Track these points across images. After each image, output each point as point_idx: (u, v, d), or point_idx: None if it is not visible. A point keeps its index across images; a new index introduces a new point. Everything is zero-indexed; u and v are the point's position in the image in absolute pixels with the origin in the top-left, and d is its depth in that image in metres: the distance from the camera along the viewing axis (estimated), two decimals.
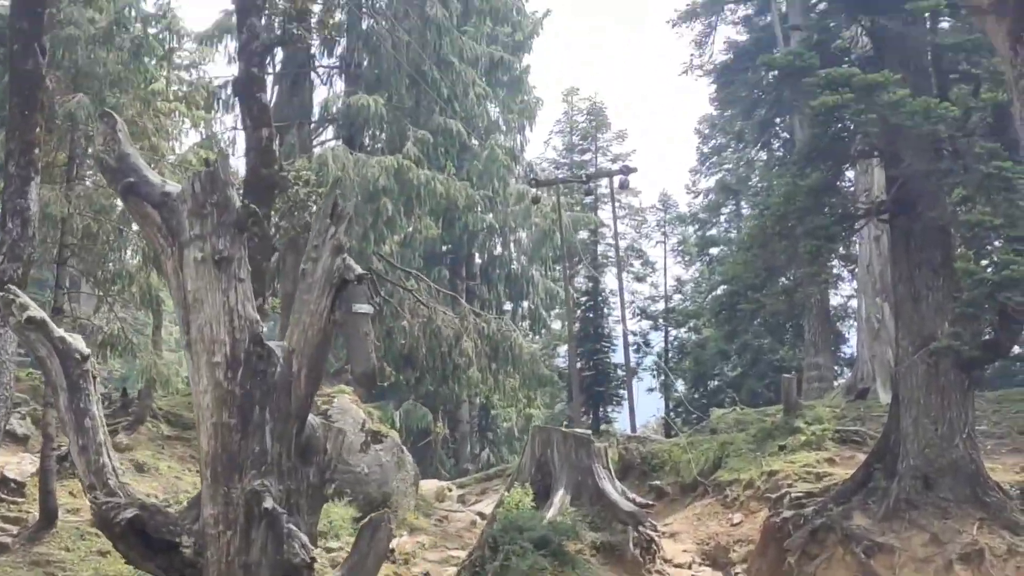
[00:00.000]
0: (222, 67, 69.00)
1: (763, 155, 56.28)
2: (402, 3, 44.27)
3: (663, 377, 57.86)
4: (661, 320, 62.92)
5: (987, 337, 19.36)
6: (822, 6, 25.80)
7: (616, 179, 46.54)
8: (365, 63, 44.56)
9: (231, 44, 40.22)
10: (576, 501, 23.10)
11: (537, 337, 56.12)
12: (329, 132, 45.30)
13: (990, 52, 18.27)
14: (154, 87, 27.62)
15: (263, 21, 29.41)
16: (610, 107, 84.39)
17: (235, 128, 41.38)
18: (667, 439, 34.06)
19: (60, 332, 10.38)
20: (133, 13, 27.99)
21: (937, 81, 21.08)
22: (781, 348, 51.34)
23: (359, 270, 10.76)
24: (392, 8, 44.88)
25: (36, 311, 10.30)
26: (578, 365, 47.34)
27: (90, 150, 22.82)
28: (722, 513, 25.79)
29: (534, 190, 47.01)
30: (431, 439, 46.45)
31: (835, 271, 34.01)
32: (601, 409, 51.40)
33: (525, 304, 54.35)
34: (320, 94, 46.21)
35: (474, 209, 45.33)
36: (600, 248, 58.70)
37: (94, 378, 10.43)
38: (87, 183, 24.75)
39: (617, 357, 51.53)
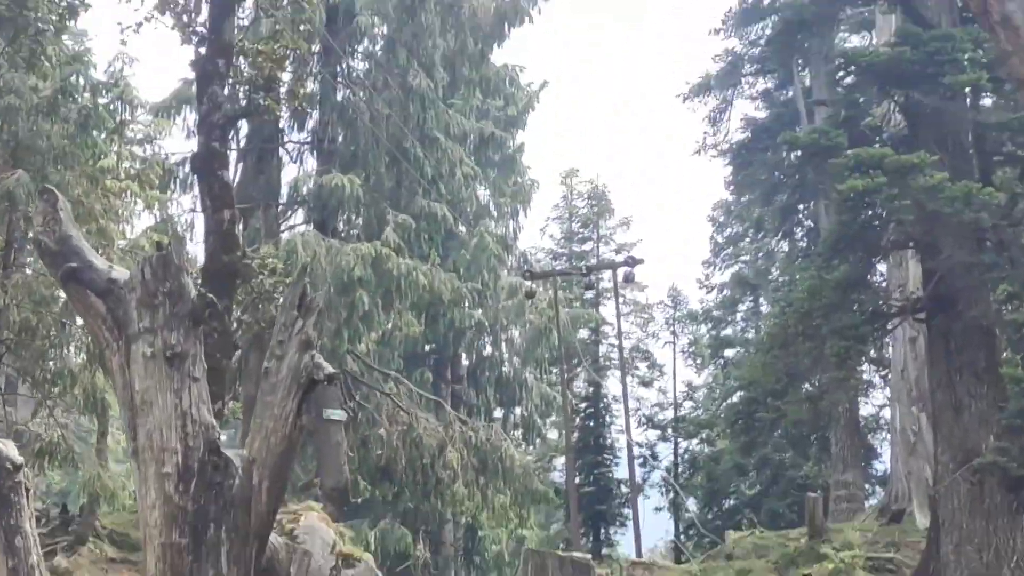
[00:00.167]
0: (180, 141, 69.56)
1: (784, 245, 56.50)
2: (382, 72, 44.53)
3: (672, 494, 57.66)
4: (670, 430, 62.83)
5: None
6: (850, 79, 26.05)
7: (620, 271, 46.67)
8: (340, 138, 44.72)
9: (190, 116, 40.41)
10: None
11: (531, 448, 55.87)
12: (299, 215, 45.36)
13: None
14: (103, 163, 27.73)
15: (226, 90, 29.51)
16: (614, 190, 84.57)
17: (193, 210, 41.39)
18: (677, 565, 33.86)
19: None
20: (81, 81, 28.17)
21: (979, 164, 21.26)
22: (805, 463, 51.21)
23: (330, 369, 10.70)
24: (371, 78, 45.12)
25: None
26: (577, 480, 47.21)
27: (30, 233, 22.84)
28: None
29: (528, 283, 47.09)
30: (410, 563, 46.06)
31: (865, 376, 34.03)
32: (603, 530, 51.24)
33: (517, 411, 54.16)
34: (289, 172, 46.27)
35: (461, 304, 45.30)
36: (602, 349, 58.79)
37: (28, 491, 10.33)
38: (26, 271, 24.75)
39: (621, 471, 51.43)
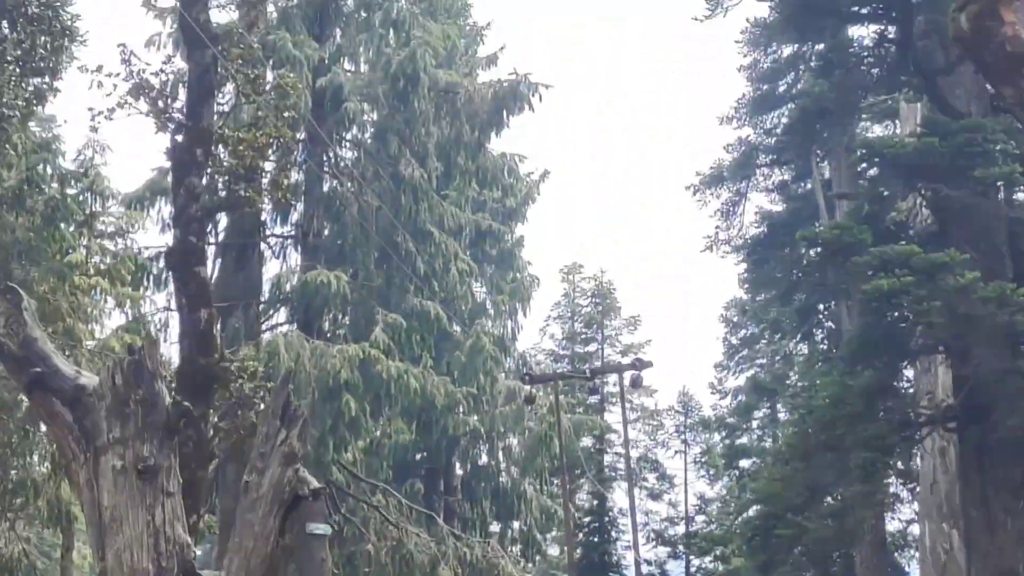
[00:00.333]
0: (154, 235, 69.29)
1: (804, 348, 56.41)
2: (371, 161, 44.70)
3: None
4: (681, 547, 62.52)
5: None
6: (873, 171, 26.19)
7: (627, 375, 46.62)
8: (326, 232, 44.86)
9: (165, 208, 40.38)
10: None
11: (530, 565, 55.52)
12: (281, 314, 45.39)
13: None
14: (71, 258, 27.79)
15: (204, 181, 29.54)
16: (620, 286, 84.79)
17: (168, 308, 41.21)
18: None
19: None
20: (49, 170, 28.31)
21: (1013, 263, 21.28)
22: None
23: (316, 484, 10.65)
24: (360, 167, 45.27)
25: None
26: None
27: None
28: None
29: (528, 387, 46.98)
30: None
31: (892, 490, 33.83)
32: None
33: (516, 525, 53.85)
34: (271, 268, 46.36)
35: (455, 409, 45.19)
36: (607, 458, 58.67)
37: None
38: None
39: None
